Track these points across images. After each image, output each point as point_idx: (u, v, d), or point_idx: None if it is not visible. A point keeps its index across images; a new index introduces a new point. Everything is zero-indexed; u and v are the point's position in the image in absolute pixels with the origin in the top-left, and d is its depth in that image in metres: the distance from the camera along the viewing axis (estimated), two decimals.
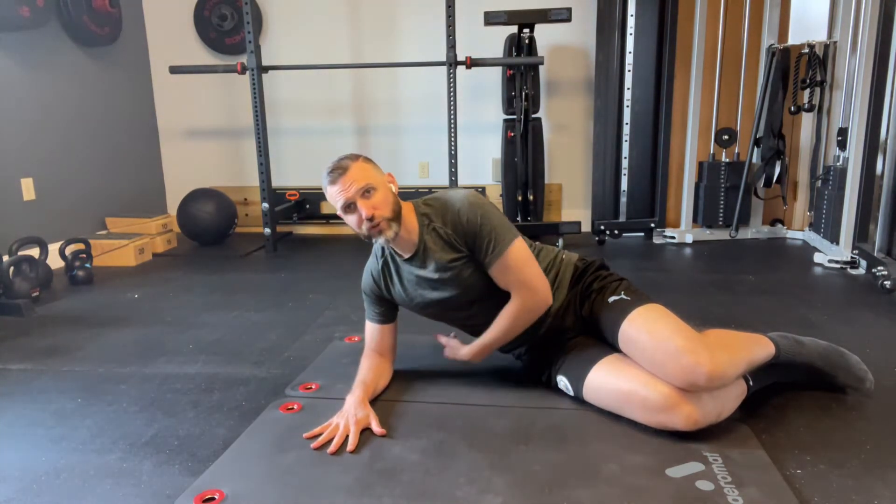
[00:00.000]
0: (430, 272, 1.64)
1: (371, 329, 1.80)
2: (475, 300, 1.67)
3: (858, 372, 1.72)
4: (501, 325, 1.66)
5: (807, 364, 1.70)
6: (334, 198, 1.56)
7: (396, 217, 1.57)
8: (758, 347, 1.60)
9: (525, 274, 1.60)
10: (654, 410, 1.46)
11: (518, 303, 1.62)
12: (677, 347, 1.43)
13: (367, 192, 1.54)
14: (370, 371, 1.73)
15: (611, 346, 1.62)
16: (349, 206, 1.55)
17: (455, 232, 1.60)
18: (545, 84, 4.23)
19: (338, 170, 1.54)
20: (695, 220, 3.98)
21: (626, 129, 3.96)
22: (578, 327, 1.71)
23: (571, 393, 1.65)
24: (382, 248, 1.73)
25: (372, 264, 1.76)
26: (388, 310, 1.79)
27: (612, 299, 1.63)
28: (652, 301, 1.60)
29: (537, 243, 1.78)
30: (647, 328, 1.51)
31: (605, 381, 1.56)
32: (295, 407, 1.70)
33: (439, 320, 1.80)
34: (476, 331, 1.75)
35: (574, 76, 4.25)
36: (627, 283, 1.69)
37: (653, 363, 1.47)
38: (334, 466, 1.41)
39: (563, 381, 1.66)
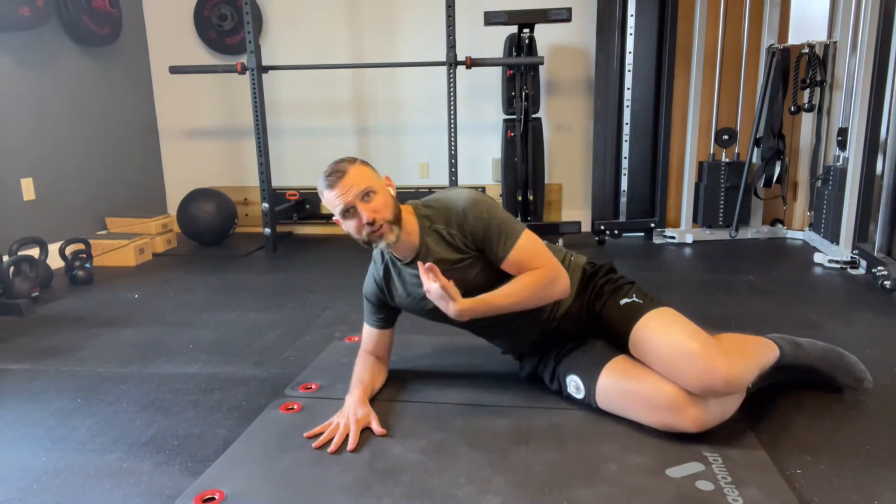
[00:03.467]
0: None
1: (369, 333, 1.80)
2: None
3: (857, 373, 1.73)
4: (514, 289, 1.54)
5: (807, 366, 1.70)
6: (332, 202, 1.51)
7: (397, 220, 1.54)
8: (767, 351, 1.60)
9: (541, 260, 1.57)
10: (660, 410, 1.45)
11: (538, 274, 1.55)
12: (693, 352, 1.40)
13: (366, 195, 1.49)
14: (367, 371, 1.72)
15: (616, 348, 1.60)
16: (348, 211, 1.50)
17: (461, 233, 1.58)
18: (545, 84, 4.23)
19: (336, 173, 1.49)
20: (695, 220, 3.98)
21: (626, 129, 3.96)
22: (583, 331, 1.69)
23: (582, 396, 1.61)
24: (382, 254, 1.69)
25: (373, 271, 1.74)
26: (388, 316, 1.77)
27: (623, 302, 1.60)
28: (664, 304, 1.59)
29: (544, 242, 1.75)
30: (661, 332, 1.49)
31: (614, 383, 1.54)
32: (295, 407, 1.70)
33: (445, 323, 1.75)
34: (484, 333, 1.75)
35: (574, 76, 4.25)
36: (638, 287, 1.67)
37: (667, 368, 1.45)
38: (334, 466, 1.41)
39: (574, 382, 1.63)
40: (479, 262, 1.60)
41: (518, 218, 3.95)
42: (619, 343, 1.59)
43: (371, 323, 1.79)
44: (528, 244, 1.56)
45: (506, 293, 1.54)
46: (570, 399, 1.66)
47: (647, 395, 1.47)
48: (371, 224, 1.49)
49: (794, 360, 1.67)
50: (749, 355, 1.52)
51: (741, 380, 1.43)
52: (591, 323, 1.67)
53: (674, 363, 1.43)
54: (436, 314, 1.70)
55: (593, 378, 1.58)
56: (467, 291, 1.59)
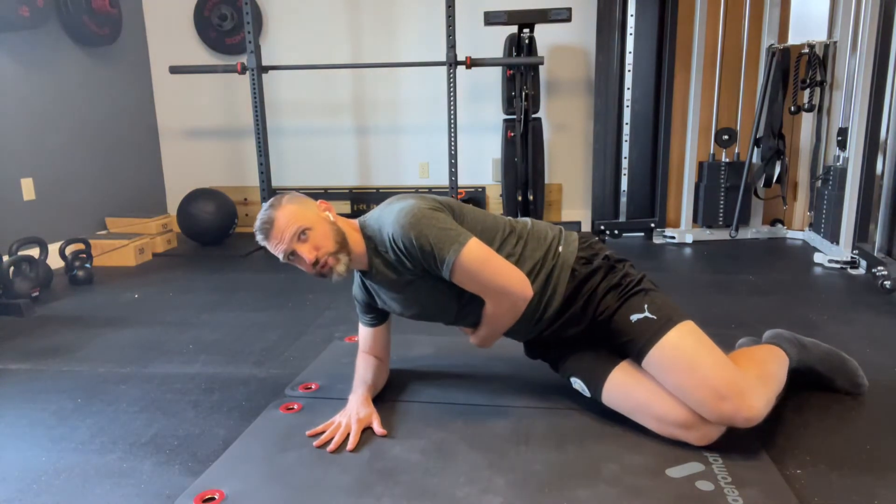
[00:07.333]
0: (391, 291, 1.60)
1: (364, 332, 1.79)
2: (454, 305, 1.60)
3: (856, 378, 1.73)
4: (486, 325, 1.59)
5: (807, 368, 1.71)
6: (275, 252, 1.49)
7: (342, 247, 1.49)
8: (782, 368, 1.58)
9: (485, 277, 1.48)
10: (669, 425, 1.45)
11: (490, 306, 1.54)
12: (718, 392, 1.36)
13: (301, 235, 1.46)
14: (370, 370, 1.72)
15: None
16: (292, 255, 1.48)
17: (397, 256, 1.50)
18: (545, 84, 4.23)
19: (265, 225, 1.47)
20: (695, 220, 3.98)
21: (626, 129, 3.95)
22: (585, 338, 1.62)
23: (588, 395, 1.60)
24: None
25: (356, 278, 1.72)
26: (379, 314, 1.76)
27: (635, 318, 1.49)
28: (680, 316, 1.49)
29: (529, 225, 1.66)
30: (683, 362, 1.41)
31: (621, 389, 1.51)
32: (295, 407, 1.70)
33: (434, 321, 1.74)
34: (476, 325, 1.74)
35: (574, 76, 4.25)
36: (646, 292, 1.55)
37: (687, 398, 1.40)
38: (334, 466, 1.41)
39: (577, 384, 1.61)
40: (430, 276, 1.52)
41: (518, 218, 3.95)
42: (627, 356, 1.54)
43: (364, 322, 1.78)
44: (466, 264, 1.43)
45: (487, 332, 1.62)
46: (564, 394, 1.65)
47: (657, 411, 1.45)
48: (315, 263, 1.47)
49: (799, 365, 1.67)
50: (769, 380, 1.49)
51: (763, 415, 1.38)
52: (595, 331, 1.60)
53: (696, 397, 1.39)
54: (421, 318, 1.70)
55: (598, 386, 1.55)
56: (432, 302, 1.60)
